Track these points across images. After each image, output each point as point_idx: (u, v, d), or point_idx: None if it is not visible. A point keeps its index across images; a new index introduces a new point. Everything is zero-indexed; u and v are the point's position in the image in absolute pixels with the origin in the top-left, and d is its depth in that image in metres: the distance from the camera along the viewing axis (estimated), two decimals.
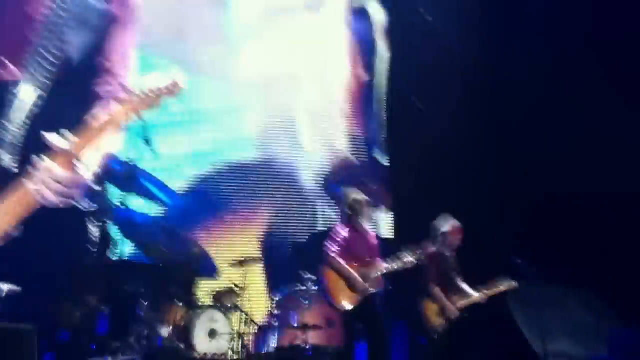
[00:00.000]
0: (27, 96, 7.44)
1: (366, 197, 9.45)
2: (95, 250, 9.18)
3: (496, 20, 11.90)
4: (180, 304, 9.75)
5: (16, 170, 6.99)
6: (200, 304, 9.95)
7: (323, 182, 11.92)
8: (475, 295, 9.38)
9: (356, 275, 8.77)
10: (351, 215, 9.16)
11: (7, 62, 6.39)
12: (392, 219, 12.04)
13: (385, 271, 8.93)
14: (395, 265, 8.97)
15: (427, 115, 11.69)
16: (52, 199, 5.34)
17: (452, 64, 11.72)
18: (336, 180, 11.86)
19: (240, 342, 9.66)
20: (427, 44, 11.86)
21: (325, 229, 11.54)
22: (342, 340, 9.19)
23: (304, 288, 9.64)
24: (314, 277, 9.61)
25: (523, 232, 10.79)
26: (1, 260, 7.68)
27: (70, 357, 9.36)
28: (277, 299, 9.98)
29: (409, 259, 8.96)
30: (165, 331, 9.48)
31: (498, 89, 11.82)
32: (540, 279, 9.38)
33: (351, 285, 8.76)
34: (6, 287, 7.17)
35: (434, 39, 11.84)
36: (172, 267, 10.28)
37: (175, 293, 9.81)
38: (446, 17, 11.85)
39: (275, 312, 9.89)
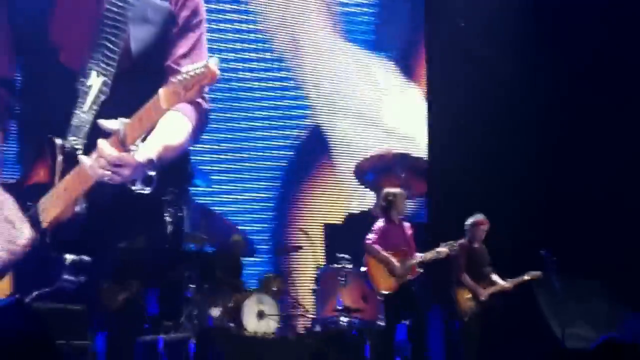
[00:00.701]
0: (93, 83, 7.83)
1: (401, 190, 10.12)
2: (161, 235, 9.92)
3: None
4: (228, 288, 10.38)
5: (80, 152, 7.41)
6: (247, 288, 10.67)
7: (355, 169, 12.58)
8: (502, 283, 10.14)
9: (395, 261, 9.48)
10: (387, 208, 9.83)
11: (72, 49, 6.79)
12: (427, 206, 12.67)
13: (420, 259, 9.60)
14: (429, 255, 9.57)
15: (465, 110, 12.07)
16: (100, 174, 5.73)
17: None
18: (368, 168, 12.58)
19: (288, 323, 10.45)
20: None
21: (359, 211, 12.44)
22: (379, 317, 9.79)
23: (340, 266, 10.18)
24: (348, 256, 10.17)
25: (549, 227, 11.37)
26: (66, 233, 8.10)
27: (122, 336, 10.05)
28: (316, 275, 10.58)
29: (443, 249, 9.67)
30: (215, 312, 10.10)
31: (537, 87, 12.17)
32: (562, 270, 10.08)
33: (390, 271, 9.47)
34: (70, 257, 7.69)
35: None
36: (217, 253, 11.02)
37: (222, 277, 10.37)
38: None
39: (315, 287, 10.49)
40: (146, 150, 5.67)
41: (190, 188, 10.98)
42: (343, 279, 9.90)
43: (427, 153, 12.84)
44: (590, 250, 11.09)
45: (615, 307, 10.66)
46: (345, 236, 11.75)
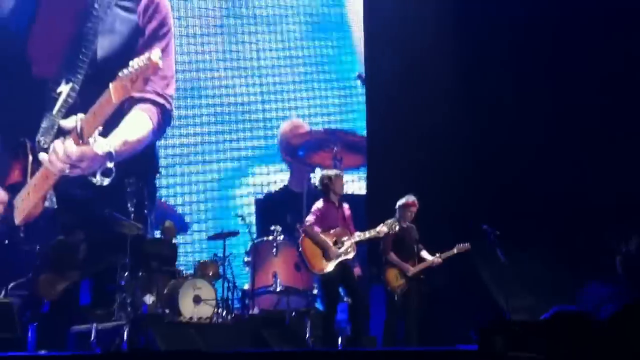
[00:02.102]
0: (63, 90, 8.42)
1: (338, 171, 10.02)
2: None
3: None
4: (163, 274, 10.17)
5: (47, 151, 7.87)
6: (183, 273, 10.49)
7: (285, 146, 12.83)
8: (431, 259, 10.07)
9: (330, 243, 9.35)
10: (325, 189, 9.67)
11: (46, 61, 7.25)
12: (365, 178, 12.90)
13: (358, 239, 9.51)
14: (368, 234, 9.41)
15: (406, 94, 12.23)
16: (60, 168, 5.92)
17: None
18: (300, 145, 12.86)
19: (225, 307, 10.33)
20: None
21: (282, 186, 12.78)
22: (313, 286, 10.26)
23: (271, 238, 10.71)
24: (279, 228, 10.78)
25: (491, 204, 11.50)
26: (37, 227, 8.33)
27: (53, 326, 9.82)
28: (247, 248, 10.86)
29: (382, 228, 9.53)
30: (148, 298, 9.90)
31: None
32: (503, 242, 10.20)
33: (325, 253, 9.34)
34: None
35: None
36: (151, 240, 10.80)
37: (157, 264, 10.19)
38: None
39: (246, 259, 10.77)
40: (105, 144, 6.08)
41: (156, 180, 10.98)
42: (275, 249, 10.48)
43: (365, 129, 13.04)
44: (527, 222, 11.22)
45: (557, 276, 10.72)
46: (273, 209, 12.19)
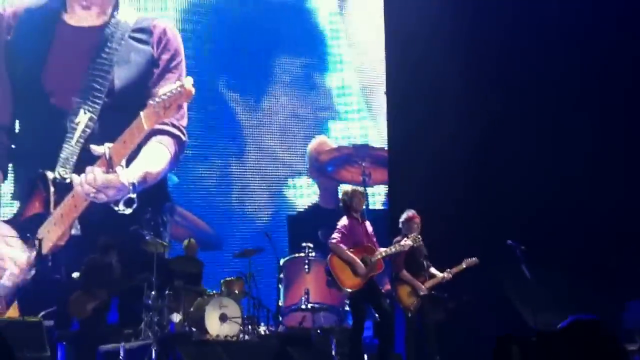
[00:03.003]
0: (81, 120, 8.69)
1: (357, 188, 10.08)
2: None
3: None
4: (189, 293, 10.27)
5: (68, 181, 8.15)
6: (209, 292, 10.57)
7: (314, 163, 12.89)
8: (441, 275, 10.00)
9: (358, 260, 9.38)
10: (346, 206, 9.74)
11: (63, 93, 7.49)
12: (387, 193, 12.97)
13: (384, 254, 9.56)
14: (393, 249, 9.53)
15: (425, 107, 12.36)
16: (88, 191, 6.14)
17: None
18: (328, 161, 12.92)
19: (251, 325, 10.36)
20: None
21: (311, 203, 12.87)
22: (344, 302, 10.31)
23: (303, 255, 10.81)
24: (311, 245, 10.86)
25: (516, 220, 11.48)
26: (65, 254, 8.45)
27: (82, 345, 9.93)
28: (280, 263, 10.93)
29: (406, 242, 9.57)
30: (175, 317, 9.98)
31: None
32: (530, 259, 10.17)
33: (354, 271, 9.38)
34: (75, 274, 7.86)
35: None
36: (176, 259, 10.90)
37: (182, 283, 10.24)
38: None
39: (280, 275, 10.84)
40: (129, 175, 6.27)
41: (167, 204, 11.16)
42: (307, 266, 10.56)
43: (387, 143, 13.12)
44: (553, 238, 11.23)
45: (578, 293, 10.70)
46: (304, 227, 12.24)
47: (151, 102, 7.75)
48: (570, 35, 11.95)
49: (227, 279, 10.69)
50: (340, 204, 9.59)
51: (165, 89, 7.87)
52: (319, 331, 10.15)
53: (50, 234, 9.33)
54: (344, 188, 10.00)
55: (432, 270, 10.06)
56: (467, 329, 10.55)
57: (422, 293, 9.82)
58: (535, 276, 9.89)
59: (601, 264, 11.00)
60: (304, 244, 10.96)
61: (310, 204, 12.96)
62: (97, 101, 9.34)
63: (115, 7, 10.99)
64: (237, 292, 10.38)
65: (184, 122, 11.12)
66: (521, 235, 10.33)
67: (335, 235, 9.38)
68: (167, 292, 10.04)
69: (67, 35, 10.77)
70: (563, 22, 12.01)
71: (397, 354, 10.27)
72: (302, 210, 12.91)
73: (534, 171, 11.80)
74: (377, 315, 9.51)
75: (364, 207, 9.77)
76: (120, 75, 9.55)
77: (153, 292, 9.81)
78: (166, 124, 10.20)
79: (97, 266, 9.91)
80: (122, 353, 9.35)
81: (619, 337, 3.31)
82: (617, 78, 11.78)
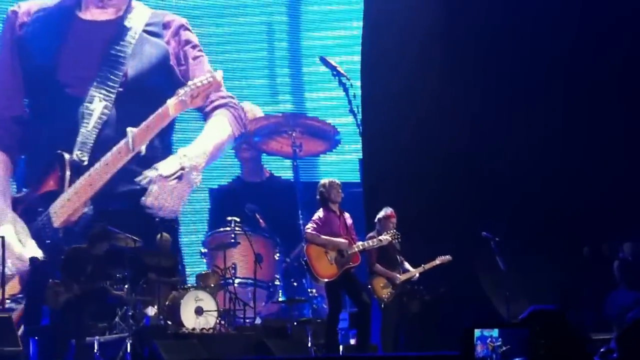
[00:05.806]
0: (96, 107, 9.34)
1: (335, 180, 10.16)
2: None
3: None
4: (164, 286, 10.20)
5: (85, 163, 8.97)
6: (184, 285, 10.49)
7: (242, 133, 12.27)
8: (414, 271, 10.22)
9: (334, 239, 9.36)
10: (322, 198, 9.80)
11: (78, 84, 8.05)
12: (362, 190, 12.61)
13: (361, 248, 9.62)
14: (371, 243, 9.59)
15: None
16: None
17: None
18: (255, 130, 12.38)
19: (227, 318, 10.31)
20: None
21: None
22: (275, 277, 10.88)
23: (229, 229, 10.89)
24: (237, 219, 10.96)
25: (491, 211, 11.62)
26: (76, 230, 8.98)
27: (53, 340, 9.95)
28: (203, 239, 11.21)
29: (385, 237, 9.65)
30: (151, 310, 10.08)
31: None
32: (503, 250, 10.27)
33: (335, 246, 9.37)
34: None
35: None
36: (150, 253, 10.87)
37: (156, 275, 10.22)
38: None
39: (203, 250, 11.18)
40: (195, 156, 7.16)
41: None
42: (233, 240, 10.74)
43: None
44: (527, 229, 11.38)
45: (552, 282, 10.85)
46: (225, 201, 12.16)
47: (179, 90, 8.50)
48: (551, 29, 11.99)
49: (203, 272, 10.82)
50: (318, 196, 9.62)
51: (195, 80, 8.63)
52: (295, 323, 10.23)
53: (63, 209, 9.85)
54: (321, 180, 9.99)
55: (406, 265, 10.20)
56: (442, 320, 10.65)
57: (397, 282, 9.97)
58: (510, 267, 10.03)
59: (578, 255, 11.11)
60: (229, 218, 10.98)
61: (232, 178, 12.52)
62: (112, 90, 10.05)
63: (129, 4, 11.22)
64: (212, 285, 10.41)
65: None
66: (496, 227, 10.48)
67: (310, 225, 9.45)
68: (140, 285, 10.09)
69: (81, 29, 11.20)
70: (544, 15, 12.08)
71: (373, 345, 10.39)
72: (224, 184, 12.46)
73: (510, 162, 11.86)
74: (355, 306, 9.63)
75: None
76: (135, 67, 10.16)
77: (126, 286, 9.85)
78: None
79: (79, 257, 9.91)
80: (96, 346, 9.38)
81: (580, 326, 3.43)
82: (593, 70, 11.88)
